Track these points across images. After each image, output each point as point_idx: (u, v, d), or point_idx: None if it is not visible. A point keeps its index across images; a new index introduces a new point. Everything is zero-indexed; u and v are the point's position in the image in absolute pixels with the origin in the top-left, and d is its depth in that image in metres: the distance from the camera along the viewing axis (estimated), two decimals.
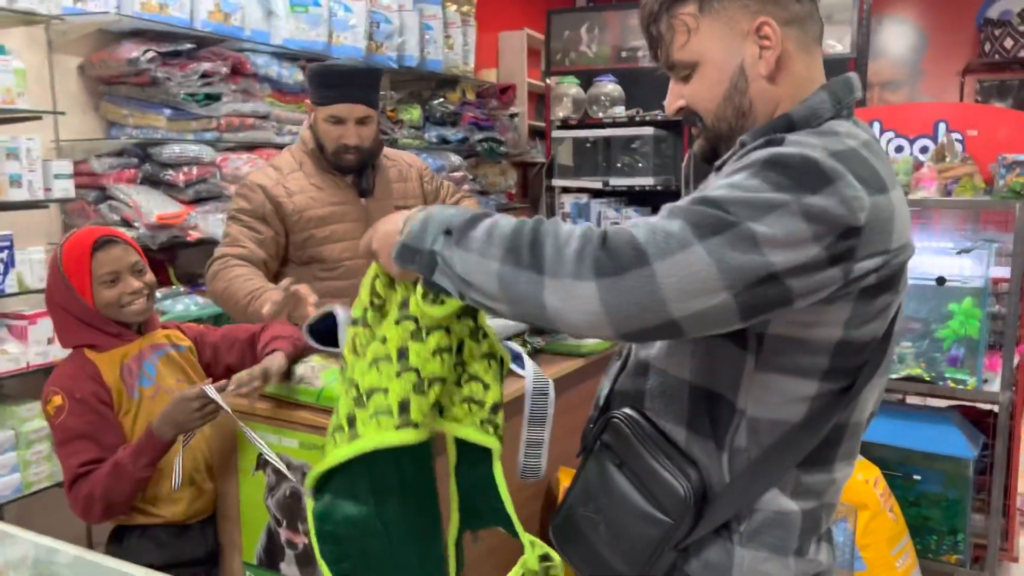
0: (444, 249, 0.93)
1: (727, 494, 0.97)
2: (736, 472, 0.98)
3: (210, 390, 1.54)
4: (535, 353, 1.87)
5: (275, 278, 2.12)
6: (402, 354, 1.05)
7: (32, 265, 2.49)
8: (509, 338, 1.85)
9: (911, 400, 3.16)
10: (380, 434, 1.04)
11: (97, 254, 1.64)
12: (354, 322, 1.11)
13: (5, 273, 2.38)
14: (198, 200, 3.06)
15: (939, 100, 6.85)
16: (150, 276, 1.73)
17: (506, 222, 0.93)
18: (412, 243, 0.96)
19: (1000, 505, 2.72)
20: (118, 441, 1.63)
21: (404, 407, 1.04)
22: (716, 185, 0.90)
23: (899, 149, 3.13)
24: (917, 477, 2.87)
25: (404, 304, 1.06)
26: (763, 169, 0.88)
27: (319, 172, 2.21)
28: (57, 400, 1.60)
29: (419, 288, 1.02)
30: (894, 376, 2.84)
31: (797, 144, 0.90)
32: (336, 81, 2.10)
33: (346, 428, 1.08)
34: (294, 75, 3.40)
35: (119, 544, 1.69)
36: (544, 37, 5.56)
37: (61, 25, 2.68)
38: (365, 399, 1.06)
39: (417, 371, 1.04)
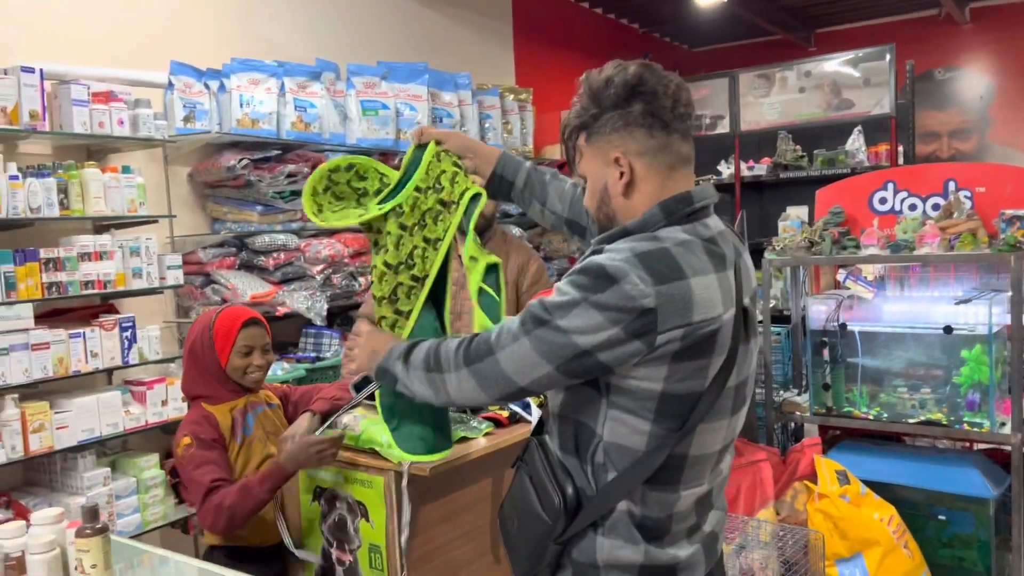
0: (397, 371, 1.43)
1: (591, 504, 1.28)
2: (599, 482, 1.29)
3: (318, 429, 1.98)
4: (543, 405, 2.21)
5: None
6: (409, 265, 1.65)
7: (150, 341, 3.04)
8: None
9: (938, 444, 3.29)
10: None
11: (244, 329, 2.09)
12: (379, 301, 1.66)
13: (129, 348, 2.92)
14: (285, 280, 3.60)
15: (1009, 147, 6.85)
16: (271, 356, 2.19)
17: (427, 344, 1.40)
18: (383, 364, 1.47)
19: (1021, 543, 2.82)
20: (229, 476, 2.03)
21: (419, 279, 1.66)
22: (557, 286, 1.27)
23: (912, 207, 3.33)
24: (942, 517, 3.00)
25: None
26: (575, 275, 1.24)
27: None
28: (186, 440, 2.02)
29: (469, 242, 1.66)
30: (912, 420, 3.01)
31: (609, 251, 1.23)
32: None
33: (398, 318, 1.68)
34: None
35: (211, 560, 2.11)
36: None
37: (174, 143, 3.28)
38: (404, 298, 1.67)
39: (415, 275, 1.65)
